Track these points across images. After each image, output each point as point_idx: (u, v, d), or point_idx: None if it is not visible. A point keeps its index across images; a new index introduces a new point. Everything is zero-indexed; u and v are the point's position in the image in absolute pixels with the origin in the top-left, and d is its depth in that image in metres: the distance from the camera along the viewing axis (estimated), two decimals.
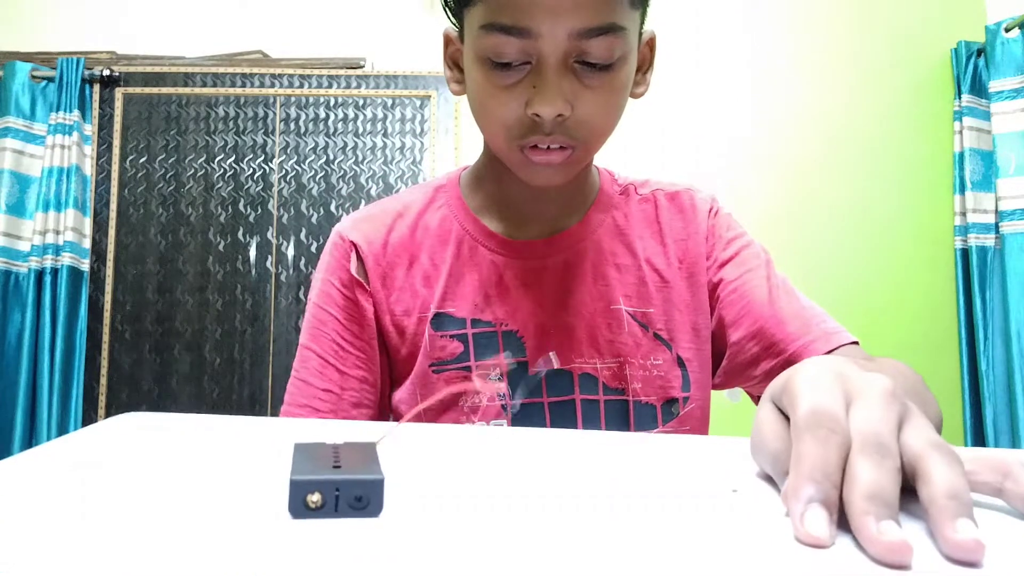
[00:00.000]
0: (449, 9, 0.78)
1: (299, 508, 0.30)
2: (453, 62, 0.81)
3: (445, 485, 0.36)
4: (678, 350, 0.83)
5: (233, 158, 2.60)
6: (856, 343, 0.80)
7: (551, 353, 0.81)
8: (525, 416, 0.80)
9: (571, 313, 0.82)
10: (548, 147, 0.72)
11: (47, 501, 0.33)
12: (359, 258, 0.84)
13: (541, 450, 0.48)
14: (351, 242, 0.84)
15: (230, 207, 2.58)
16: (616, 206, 0.87)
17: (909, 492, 0.33)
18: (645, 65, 0.80)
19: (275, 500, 0.32)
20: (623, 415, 0.81)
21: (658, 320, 0.84)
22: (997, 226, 2.62)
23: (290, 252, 2.55)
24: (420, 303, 0.82)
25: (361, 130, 2.63)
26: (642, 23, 0.76)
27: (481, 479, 0.36)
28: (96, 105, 2.61)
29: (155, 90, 2.63)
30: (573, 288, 0.83)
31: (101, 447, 0.43)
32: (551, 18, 0.67)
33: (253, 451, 0.43)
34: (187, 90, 2.63)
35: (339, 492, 0.30)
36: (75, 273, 2.51)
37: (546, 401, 0.81)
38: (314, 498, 0.30)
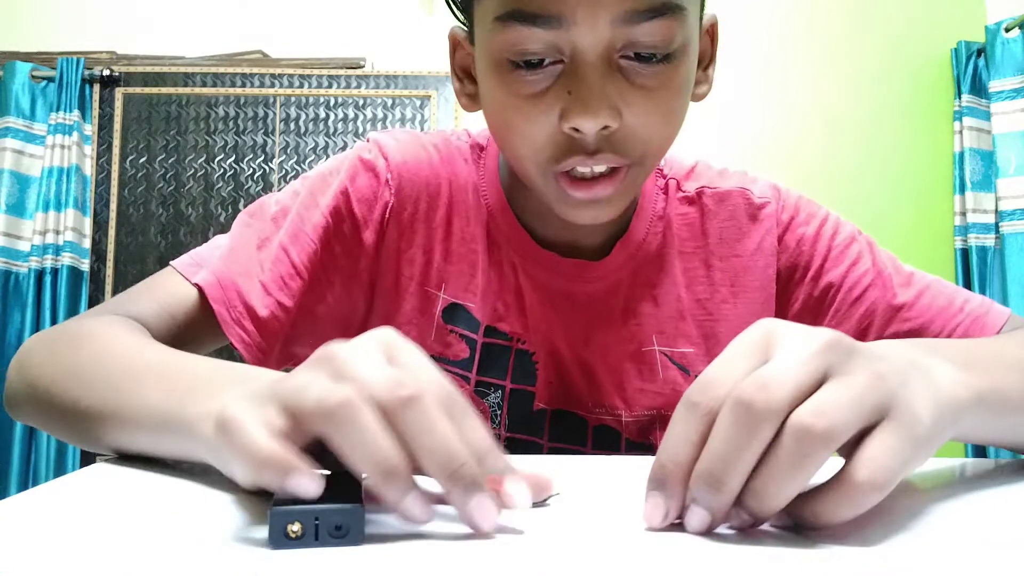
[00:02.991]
0: (455, 4, 0.64)
1: (279, 538, 0.30)
2: (463, 71, 0.67)
3: (443, 513, 0.36)
4: None
5: (233, 158, 2.61)
6: (1009, 315, 0.68)
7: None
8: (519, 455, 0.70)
9: (593, 354, 0.70)
10: (592, 172, 0.58)
11: (33, 543, 0.34)
12: (389, 205, 0.69)
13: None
14: (387, 183, 0.69)
15: (230, 207, 2.58)
16: (659, 214, 0.72)
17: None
18: (707, 59, 0.65)
19: (258, 531, 0.32)
20: None
21: (700, 361, 0.70)
22: (997, 226, 2.61)
23: None
24: (436, 277, 0.70)
25: (361, 130, 2.63)
26: (703, 5, 0.61)
27: None
28: (96, 105, 2.61)
29: (155, 90, 2.63)
30: (599, 327, 0.70)
31: (80, 493, 0.43)
32: (588, 1, 0.52)
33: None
34: (187, 90, 2.63)
35: (319, 521, 0.30)
36: (75, 273, 2.51)
37: (546, 445, 0.70)
38: (294, 528, 0.30)
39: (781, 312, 0.73)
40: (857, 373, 0.32)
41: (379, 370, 0.33)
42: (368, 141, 0.72)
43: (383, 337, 0.36)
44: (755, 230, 0.72)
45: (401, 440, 0.32)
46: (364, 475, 0.32)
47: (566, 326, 0.70)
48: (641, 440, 0.70)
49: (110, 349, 0.53)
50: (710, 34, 0.65)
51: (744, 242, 0.72)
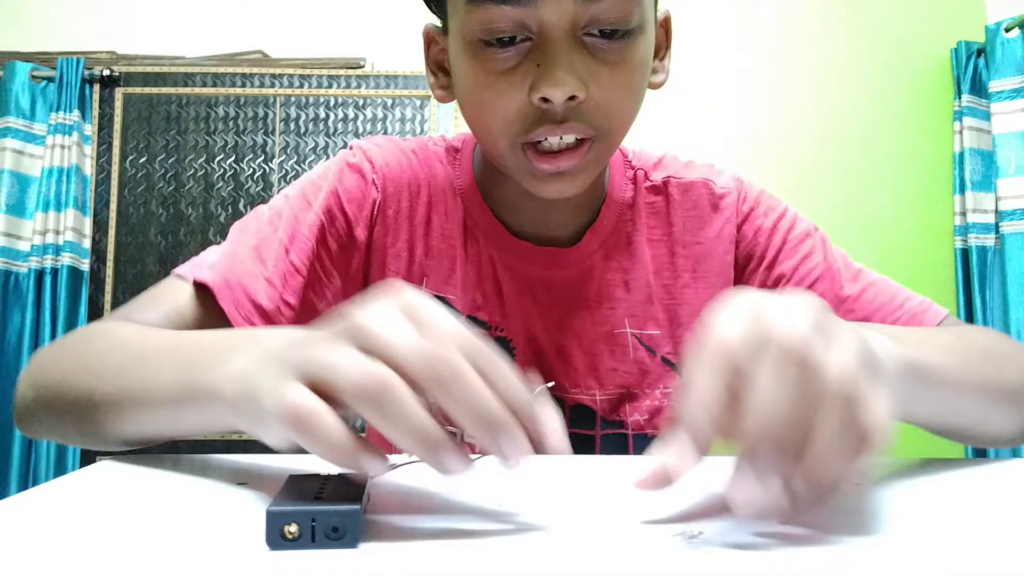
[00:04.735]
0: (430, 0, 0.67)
1: (276, 539, 0.30)
2: (437, 65, 0.71)
3: (432, 517, 0.36)
4: None
5: (233, 158, 2.60)
6: (947, 315, 0.72)
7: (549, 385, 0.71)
8: None
9: (568, 338, 0.73)
10: (560, 141, 0.61)
11: (30, 546, 0.34)
12: (376, 203, 0.73)
13: (537, 478, 0.48)
14: (374, 183, 0.73)
15: (230, 207, 2.58)
16: (628, 203, 0.76)
17: None
18: (662, 50, 0.70)
19: (256, 532, 0.32)
20: (622, 450, 0.72)
21: (665, 342, 0.74)
22: (997, 226, 2.61)
23: None
24: (418, 272, 0.73)
25: (361, 130, 2.63)
26: None
27: (471, 511, 0.37)
28: (96, 105, 2.61)
29: (155, 90, 2.63)
30: (574, 311, 0.73)
31: (79, 493, 0.43)
32: None
33: (246, 486, 0.44)
34: (187, 90, 2.63)
35: (315, 523, 0.30)
36: (75, 273, 2.51)
37: None
38: (291, 529, 0.30)
39: None
40: (845, 336, 0.35)
41: (408, 341, 0.33)
42: (351, 148, 0.75)
43: (399, 297, 0.36)
44: (716, 219, 0.76)
45: (439, 402, 0.33)
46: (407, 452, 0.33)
47: (542, 312, 0.73)
48: (613, 417, 0.73)
49: (120, 340, 0.55)
50: (664, 27, 0.70)
51: (706, 230, 0.76)
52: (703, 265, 0.75)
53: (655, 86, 0.69)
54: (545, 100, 0.59)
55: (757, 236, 0.76)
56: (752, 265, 0.76)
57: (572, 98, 0.59)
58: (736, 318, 0.35)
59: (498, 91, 0.61)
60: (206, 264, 0.66)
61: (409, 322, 0.34)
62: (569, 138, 0.61)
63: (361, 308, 0.35)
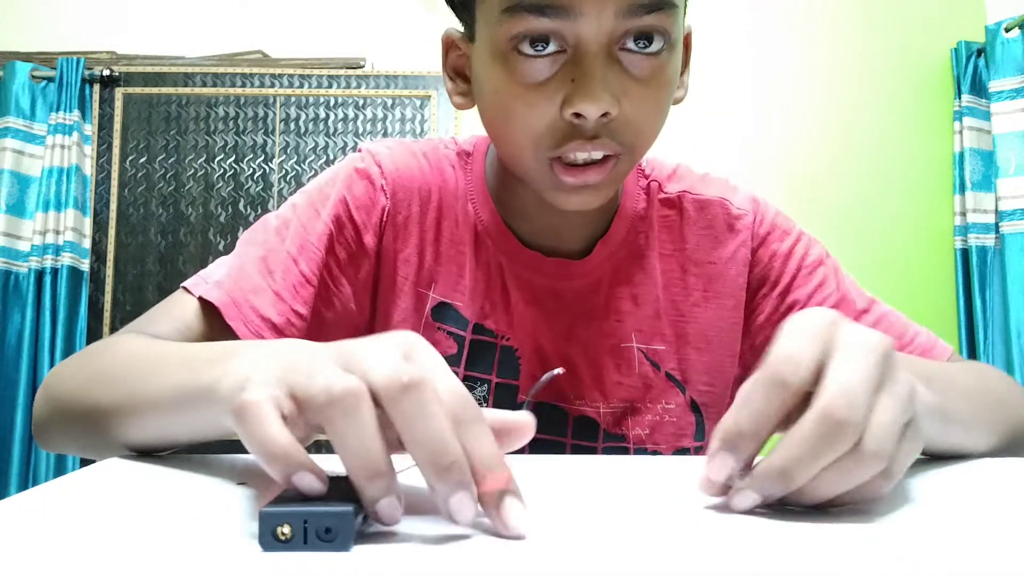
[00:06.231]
0: (455, 5, 0.66)
1: (269, 540, 0.30)
2: (455, 71, 0.70)
3: (426, 519, 0.36)
4: (692, 393, 0.74)
5: (233, 158, 2.61)
6: (952, 352, 0.76)
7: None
8: None
9: (575, 349, 0.72)
10: (589, 157, 0.60)
11: (30, 546, 0.34)
12: (385, 209, 0.72)
13: (533, 481, 0.48)
14: (383, 189, 0.71)
15: (230, 207, 2.58)
16: (640, 214, 0.75)
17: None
18: (683, 65, 0.68)
19: (251, 533, 0.32)
20: None
21: (670, 358, 0.74)
22: (997, 226, 2.61)
23: None
24: (426, 277, 0.72)
25: (361, 130, 2.63)
26: (685, 11, 0.64)
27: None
28: (96, 105, 2.62)
29: (155, 90, 2.64)
30: (581, 323, 0.73)
31: (77, 494, 0.43)
32: None
33: (245, 486, 0.44)
34: (187, 90, 2.63)
35: (307, 524, 0.30)
36: (75, 273, 2.51)
37: None
38: (284, 530, 0.30)
39: (747, 319, 0.76)
40: (900, 390, 0.36)
41: (387, 363, 0.33)
42: (360, 151, 0.74)
43: (403, 338, 0.37)
44: (731, 240, 0.75)
45: (396, 427, 0.32)
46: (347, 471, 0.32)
47: (549, 323, 0.72)
48: (616, 430, 0.72)
49: (131, 352, 0.56)
50: (685, 43, 0.68)
51: (719, 250, 0.75)
52: (714, 285, 0.75)
53: (676, 102, 0.68)
54: (578, 115, 0.58)
55: (772, 261, 0.75)
56: (765, 289, 0.75)
57: (605, 114, 0.58)
58: (807, 339, 0.37)
59: (529, 103, 0.59)
60: (213, 280, 0.66)
61: (399, 354, 0.35)
62: (597, 154, 0.60)
63: (361, 341, 0.36)
